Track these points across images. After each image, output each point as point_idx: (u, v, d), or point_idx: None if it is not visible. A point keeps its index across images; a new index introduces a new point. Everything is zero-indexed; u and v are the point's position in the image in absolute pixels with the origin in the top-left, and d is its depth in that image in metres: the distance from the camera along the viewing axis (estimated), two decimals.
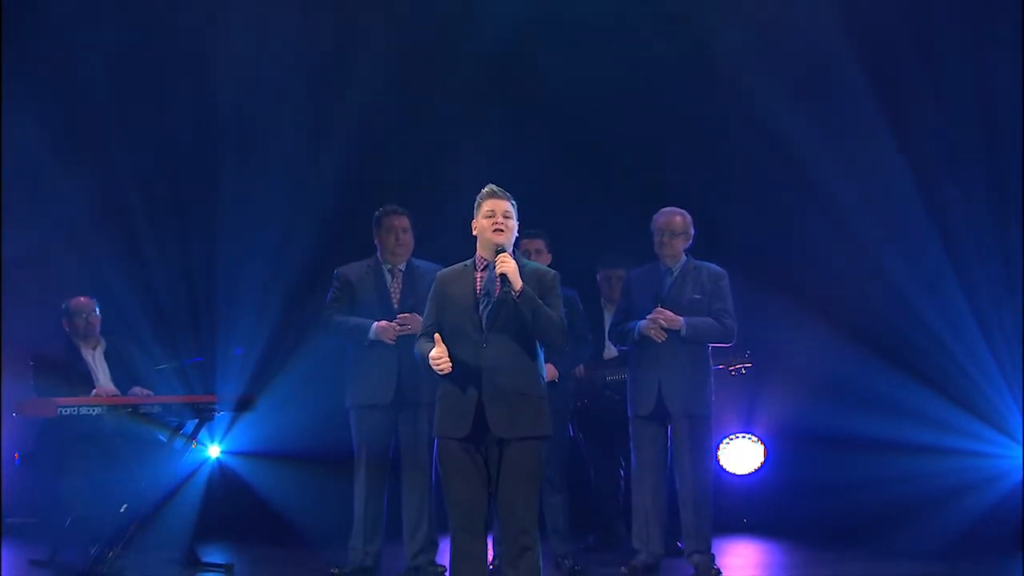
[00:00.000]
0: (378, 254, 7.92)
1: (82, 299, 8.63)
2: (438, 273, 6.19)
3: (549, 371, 6.98)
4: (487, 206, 6.02)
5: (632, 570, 7.88)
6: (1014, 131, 9.18)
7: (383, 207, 7.94)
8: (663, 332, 7.79)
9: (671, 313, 7.80)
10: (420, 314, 7.31)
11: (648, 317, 7.82)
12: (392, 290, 7.85)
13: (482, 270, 6.05)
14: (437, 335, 5.95)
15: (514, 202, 6.05)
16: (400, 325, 7.70)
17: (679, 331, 7.79)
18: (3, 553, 8.74)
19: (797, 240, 9.45)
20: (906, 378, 9.20)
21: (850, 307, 9.45)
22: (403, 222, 7.90)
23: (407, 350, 7.34)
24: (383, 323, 7.72)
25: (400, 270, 7.88)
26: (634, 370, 7.99)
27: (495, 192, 6.04)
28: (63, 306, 8.63)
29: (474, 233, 6.08)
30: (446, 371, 5.91)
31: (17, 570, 8.27)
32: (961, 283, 9.26)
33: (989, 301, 9.20)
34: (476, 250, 6.09)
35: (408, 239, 7.90)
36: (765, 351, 8.94)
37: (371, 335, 7.71)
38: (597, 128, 9.70)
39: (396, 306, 7.80)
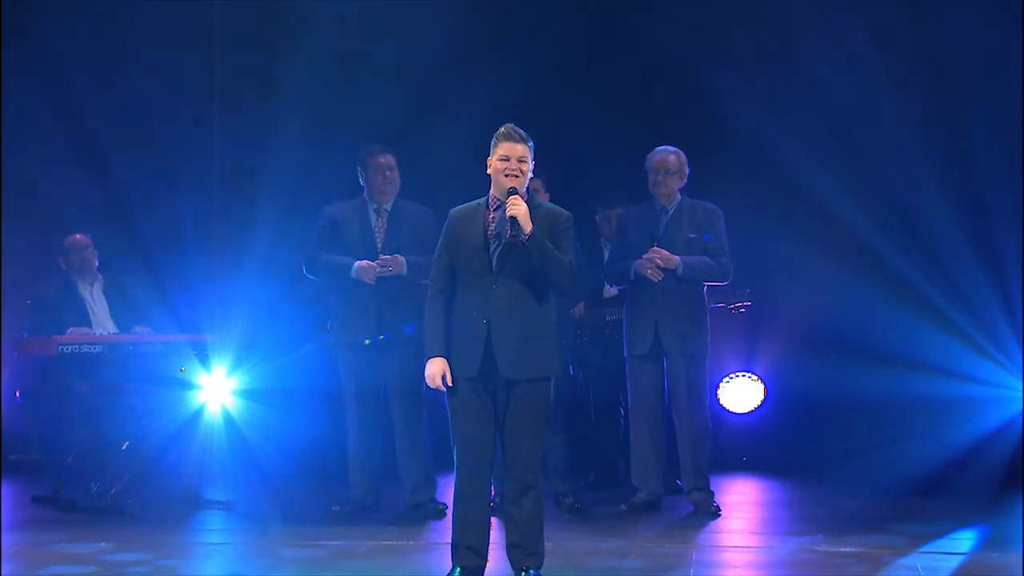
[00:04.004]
0: (364, 193, 7.84)
1: (77, 236, 8.61)
2: (451, 211, 6.08)
3: None
4: (502, 149, 5.93)
5: (632, 508, 7.93)
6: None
7: (369, 146, 7.85)
8: (659, 271, 7.78)
9: (667, 252, 7.79)
10: (404, 256, 7.43)
11: (644, 256, 7.80)
12: (377, 230, 7.77)
13: (494, 210, 5.99)
14: (447, 369, 5.94)
15: (531, 143, 5.97)
16: (381, 267, 7.63)
17: (675, 270, 7.78)
18: (5, 489, 8.79)
19: (799, 176, 9.38)
20: (908, 316, 9.18)
21: (851, 244, 9.41)
22: (389, 160, 7.80)
23: (388, 290, 7.40)
24: (364, 263, 7.63)
25: (386, 210, 7.79)
26: (630, 310, 7.98)
27: (512, 135, 5.94)
28: (61, 244, 8.61)
29: (488, 172, 6.00)
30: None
31: (20, 506, 8.32)
32: (963, 214, 9.20)
33: (994, 233, 9.16)
34: (490, 189, 6.02)
35: (395, 177, 7.80)
36: (766, 289, 8.92)
37: (352, 274, 7.65)
38: (596, 65, 9.64)
39: (379, 246, 7.72)
